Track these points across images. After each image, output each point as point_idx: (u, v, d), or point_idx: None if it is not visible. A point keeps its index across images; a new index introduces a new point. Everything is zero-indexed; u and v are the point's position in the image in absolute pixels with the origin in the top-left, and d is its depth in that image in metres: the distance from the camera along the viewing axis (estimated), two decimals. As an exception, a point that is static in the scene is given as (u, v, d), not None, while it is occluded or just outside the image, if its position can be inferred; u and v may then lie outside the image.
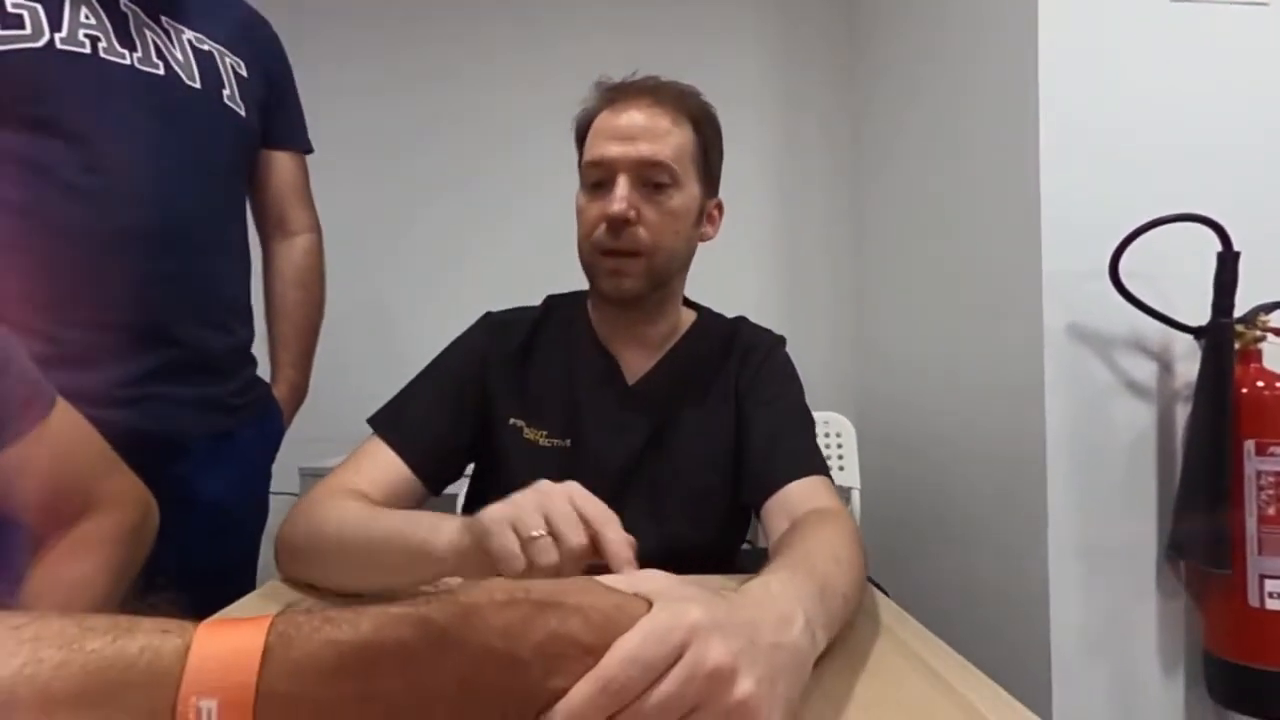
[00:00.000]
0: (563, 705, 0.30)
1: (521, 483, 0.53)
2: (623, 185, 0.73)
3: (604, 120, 0.76)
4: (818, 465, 0.76)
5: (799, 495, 0.71)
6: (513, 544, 0.49)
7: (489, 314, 0.86)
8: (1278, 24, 1.24)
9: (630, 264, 0.75)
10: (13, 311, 0.63)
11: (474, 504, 0.88)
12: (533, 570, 0.48)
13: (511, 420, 0.79)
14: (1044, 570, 1.21)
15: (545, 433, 0.78)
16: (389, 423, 0.76)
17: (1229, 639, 1.15)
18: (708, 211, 0.83)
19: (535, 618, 0.30)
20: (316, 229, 1.08)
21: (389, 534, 0.60)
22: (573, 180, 0.81)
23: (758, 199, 1.98)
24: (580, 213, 0.78)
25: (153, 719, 0.24)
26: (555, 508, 0.50)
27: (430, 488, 0.75)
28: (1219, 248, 1.14)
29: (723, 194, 0.86)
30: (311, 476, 1.49)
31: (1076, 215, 1.21)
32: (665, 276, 0.79)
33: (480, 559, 0.51)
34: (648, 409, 0.80)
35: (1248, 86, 1.24)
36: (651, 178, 0.75)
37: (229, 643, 0.25)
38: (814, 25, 2.01)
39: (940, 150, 1.57)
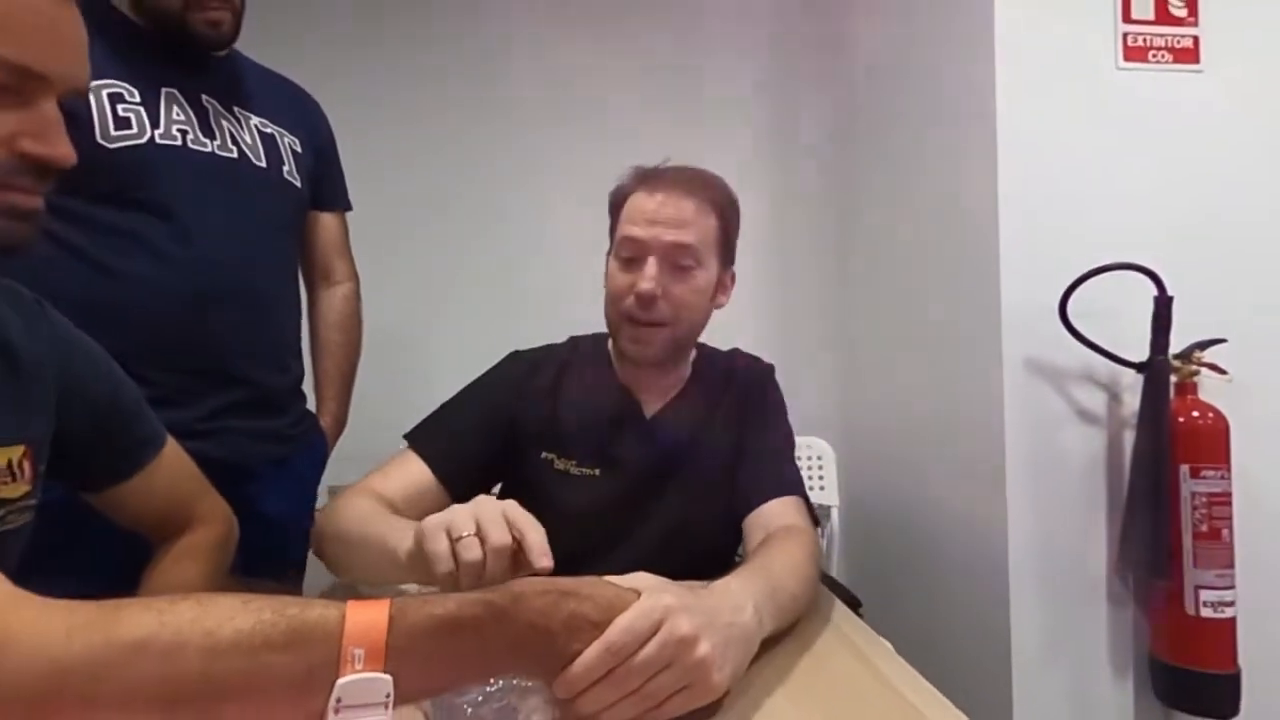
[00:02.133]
0: (579, 662, 0.44)
1: (555, 506, 0.64)
2: (652, 266, 0.83)
3: (639, 201, 0.85)
4: (795, 487, 0.87)
5: (773, 512, 0.83)
6: (443, 546, 0.55)
7: (517, 352, 0.97)
8: (1212, 89, 1.36)
9: (654, 334, 0.85)
10: (120, 359, 0.76)
11: None
12: (459, 567, 0.54)
13: (543, 453, 0.89)
14: (1004, 580, 1.31)
15: (575, 462, 0.89)
16: (424, 438, 0.86)
17: (1170, 644, 1.25)
18: (722, 282, 0.92)
19: (561, 602, 0.44)
20: (355, 278, 1.23)
21: (375, 536, 0.68)
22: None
23: (755, 258, 2.11)
24: (610, 278, 0.88)
25: (327, 659, 0.37)
26: (485, 513, 0.56)
27: (452, 498, 0.84)
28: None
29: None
30: (337, 494, 1.63)
31: (1032, 262, 1.32)
32: (683, 344, 0.90)
33: (424, 562, 0.56)
34: (664, 439, 0.91)
35: (1186, 145, 1.35)
36: (678, 260, 0.84)
37: (367, 614, 0.39)
38: (804, 89, 2.18)
39: (912, 206, 1.69)
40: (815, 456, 1.57)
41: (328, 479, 1.20)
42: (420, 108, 2.10)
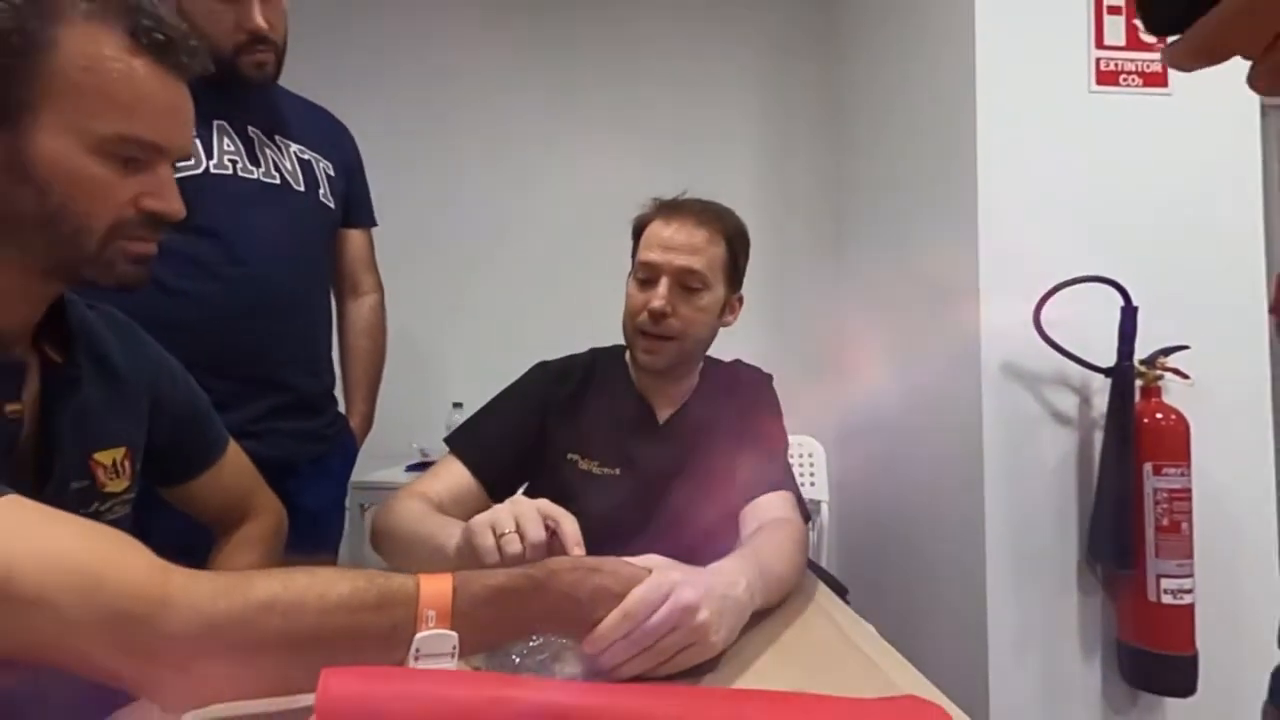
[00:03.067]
0: (603, 625, 0.54)
1: (580, 502, 0.72)
2: (664, 286, 0.93)
3: (656, 229, 0.95)
4: (787, 483, 0.96)
5: (766, 505, 0.91)
6: (489, 542, 0.62)
7: (544, 363, 1.05)
8: (1179, 111, 1.45)
9: (664, 346, 0.95)
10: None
11: None
12: (504, 559, 0.61)
13: (569, 455, 0.98)
14: (982, 571, 1.40)
15: (597, 463, 0.97)
16: (462, 443, 0.95)
17: (1134, 629, 1.35)
18: (730, 303, 1.01)
19: (588, 577, 0.54)
20: (380, 290, 1.32)
21: (426, 534, 0.77)
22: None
23: (755, 275, 2.21)
24: (629, 297, 0.97)
25: (407, 618, 0.47)
26: (523, 512, 0.64)
27: (492, 496, 0.93)
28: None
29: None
30: (357, 489, 1.73)
31: (1009, 274, 1.41)
32: (690, 356, 0.99)
33: (472, 555, 0.63)
34: (675, 442, 0.99)
35: (1154, 164, 1.44)
36: (688, 282, 0.94)
37: (436, 584, 0.49)
38: (801, 113, 2.30)
39: (898, 224, 1.80)
40: (807, 455, 1.67)
41: (356, 474, 1.30)
42: (439, 129, 2.21)
